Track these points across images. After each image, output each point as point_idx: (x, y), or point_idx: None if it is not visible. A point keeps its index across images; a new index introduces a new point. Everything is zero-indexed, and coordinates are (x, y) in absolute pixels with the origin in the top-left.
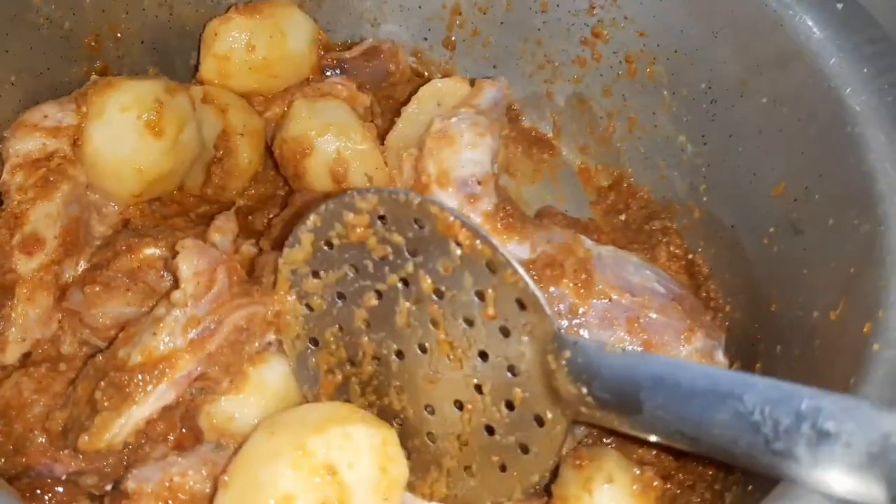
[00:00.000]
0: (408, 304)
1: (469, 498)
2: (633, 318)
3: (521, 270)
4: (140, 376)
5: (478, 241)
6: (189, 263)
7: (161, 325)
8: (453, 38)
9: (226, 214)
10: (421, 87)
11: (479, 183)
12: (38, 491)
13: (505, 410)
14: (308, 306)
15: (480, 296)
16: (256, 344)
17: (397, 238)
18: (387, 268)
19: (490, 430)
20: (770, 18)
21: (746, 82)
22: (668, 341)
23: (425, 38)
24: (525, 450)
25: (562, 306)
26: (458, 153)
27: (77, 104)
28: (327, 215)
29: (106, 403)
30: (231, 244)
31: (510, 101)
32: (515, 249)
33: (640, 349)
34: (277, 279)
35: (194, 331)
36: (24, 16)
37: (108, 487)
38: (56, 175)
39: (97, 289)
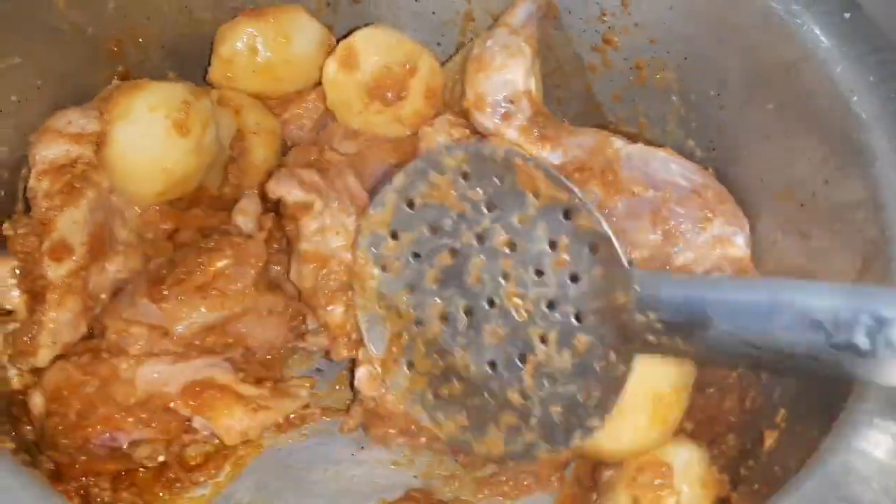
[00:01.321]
0: (481, 258)
1: (525, 451)
2: (655, 210)
3: (596, 213)
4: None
5: (557, 188)
6: (294, 188)
7: (330, 228)
8: (466, 43)
9: (248, 196)
10: None
11: (511, 102)
12: (84, 492)
13: (568, 358)
14: (383, 268)
15: (553, 245)
16: None
17: (477, 194)
18: (463, 225)
19: (552, 380)
20: (777, 26)
21: (754, 89)
22: (687, 229)
23: (438, 44)
24: (587, 396)
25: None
26: (489, 77)
27: (99, 110)
28: (414, 174)
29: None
30: (255, 225)
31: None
32: (549, 156)
33: (660, 237)
34: (357, 243)
35: (349, 207)
36: (49, 21)
37: (161, 458)
38: (81, 181)
39: (173, 303)
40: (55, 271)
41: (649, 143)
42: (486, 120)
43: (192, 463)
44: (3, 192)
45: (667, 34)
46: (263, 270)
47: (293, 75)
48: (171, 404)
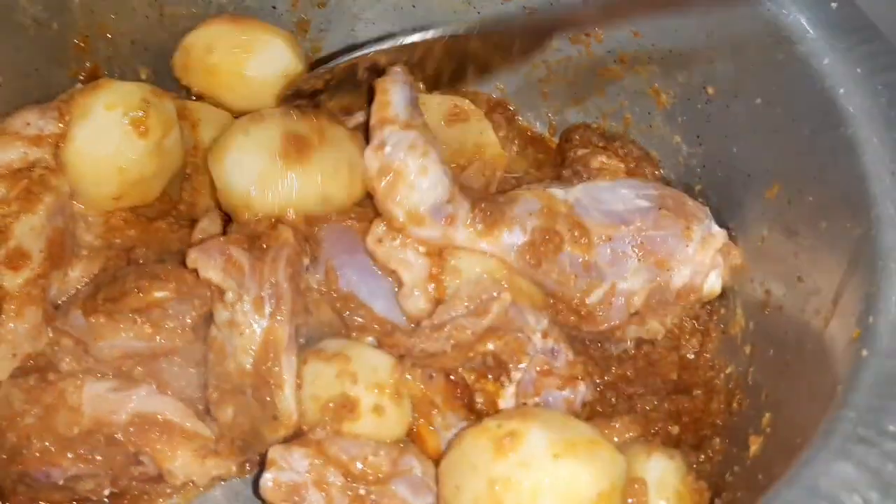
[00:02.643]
0: None
1: None
2: (637, 244)
3: None
4: (266, 368)
5: None
6: (211, 268)
7: (238, 324)
8: None
9: (209, 216)
10: None
11: (448, 202)
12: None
13: None
14: None
15: None
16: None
17: None
18: None
19: None
20: (764, 18)
21: (741, 83)
22: (674, 247)
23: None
24: None
25: (577, 268)
26: (413, 186)
27: (60, 111)
28: None
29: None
30: None
31: (503, 100)
32: (510, 238)
33: (654, 268)
34: None
35: (266, 306)
36: (10, 17)
37: (107, 492)
38: (38, 186)
39: (102, 319)
40: (12, 280)
41: (634, 140)
42: (430, 231)
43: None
44: None
45: (651, 27)
46: (209, 316)
47: (246, 93)
48: (118, 435)
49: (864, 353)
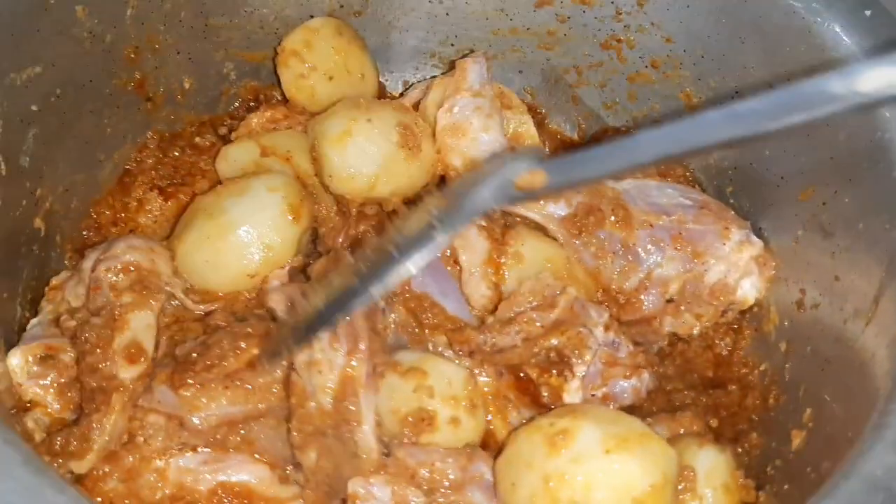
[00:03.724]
0: None
1: None
2: (675, 235)
3: None
4: (345, 406)
5: None
6: (279, 306)
7: (317, 362)
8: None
9: (276, 274)
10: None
11: None
12: None
13: None
14: None
15: None
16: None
17: None
18: None
19: None
20: (798, 25)
21: (774, 88)
22: (711, 243)
23: (452, 45)
24: None
25: (615, 245)
26: (475, 140)
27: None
28: None
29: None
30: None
31: (533, 104)
32: (555, 210)
33: (690, 258)
34: None
35: (341, 345)
36: (69, 31)
37: None
38: (155, 282)
39: (194, 391)
40: (128, 373)
41: None
42: None
43: None
44: (24, 202)
45: (684, 33)
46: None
47: (352, 81)
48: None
49: None
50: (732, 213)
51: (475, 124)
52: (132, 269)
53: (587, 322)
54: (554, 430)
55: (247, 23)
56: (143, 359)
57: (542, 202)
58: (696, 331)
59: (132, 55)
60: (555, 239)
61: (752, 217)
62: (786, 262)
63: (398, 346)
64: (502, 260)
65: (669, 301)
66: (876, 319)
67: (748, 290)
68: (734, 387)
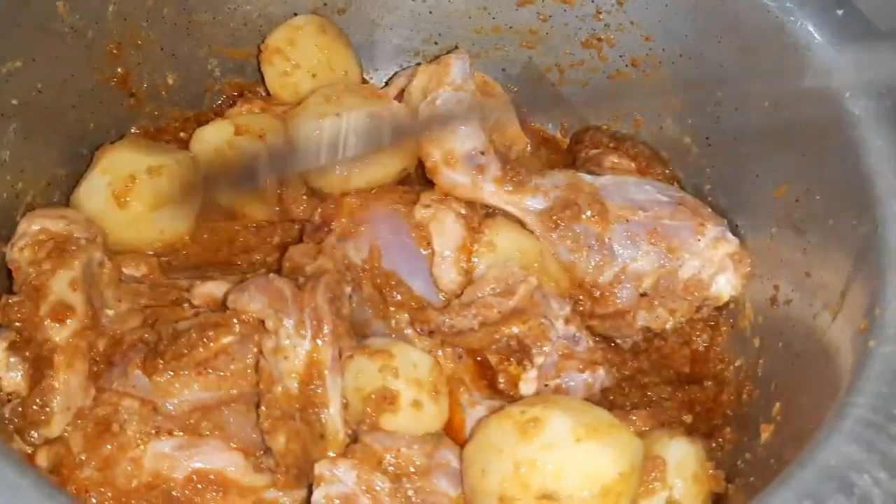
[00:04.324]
0: None
1: None
2: (651, 230)
3: None
4: (311, 389)
5: None
6: (249, 301)
7: (282, 349)
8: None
9: (216, 283)
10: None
11: (482, 153)
12: None
13: None
14: None
15: None
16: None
17: None
18: None
19: None
20: (772, 24)
21: (750, 86)
22: (686, 239)
23: (436, 43)
24: None
25: (591, 240)
26: (454, 132)
27: None
28: None
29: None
30: None
31: (517, 102)
32: (532, 203)
33: (665, 253)
34: None
35: (306, 329)
36: (50, 26)
37: None
38: (72, 246)
39: (167, 377)
40: (59, 333)
41: (645, 141)
42: (460, 175)
43: None
44: (5, 195)
45: (662, 32)
46: None
47: (339, 71)
48: (174, 493)
49: (872, 343)
50: (709, 210)
51: (455, 115)
52: (43, 237)
53: (548, 313)
54: (525, 418)
55: (230, 20)
56: (72, 315)
57: (519, 195)
58: (669, 325)
59: (114, 51)
60: (532, 232)
61: (728, 214)
62: (761, 260)
63: (363, 321)
64: (475, 247)
65: (643, 295)
66: (842, 313)
67: (723, 286)
68: (710, 382)
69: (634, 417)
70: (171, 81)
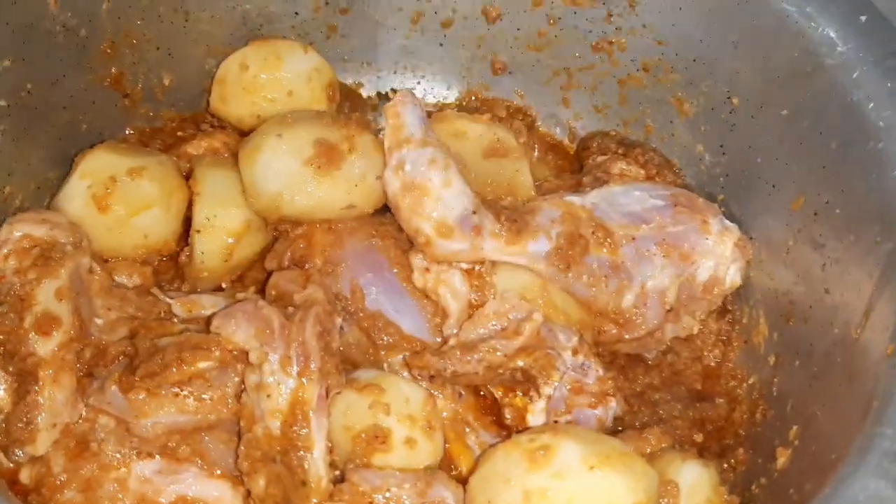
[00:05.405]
0: None
1: None
2: (660, 242)
3: None
4: (294, 431)
5: None
6: (234, 331)
7: (265, 386)
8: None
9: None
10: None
11: (473, 212)
12: None
13: None
14: None
15: None
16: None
17: None
18: None
19: None
20: (791, 30)
21: (767, 93)
22: (695, 241)
23: (441, 45)
24: None
25: (605, 269)
26: (440, 198)
27: None
28: None
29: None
30: None
31: (523, 106)
32: (535, 248)
33: (679, 262)
34: None
35: (292, 366)
36: (40, 24)
37: None
38: (58, 253)
39: (142, 396)
40: (45, 346)
41: (655, 148)
42: (458, 244)
43: None
44: None
45: (676, 36)
46: None
47: (283, 96)
48: None
49: None
50: (700, 199)
51: (434, 180)
52: (27, 244)
53: (555, 346)
54: (534, 446)
55: (229, 18)
56: (57, 327)
57: (522, 243)
58: (695, 331)
59: (108, 50)
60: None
61: (742, 226)
62: (776, 273)
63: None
64: (480, 292)
65: (669, 310)
66: (865, 335)
67: (734, 275)
68: (722, 400)
69: (647, 436)
70: (166, 81)
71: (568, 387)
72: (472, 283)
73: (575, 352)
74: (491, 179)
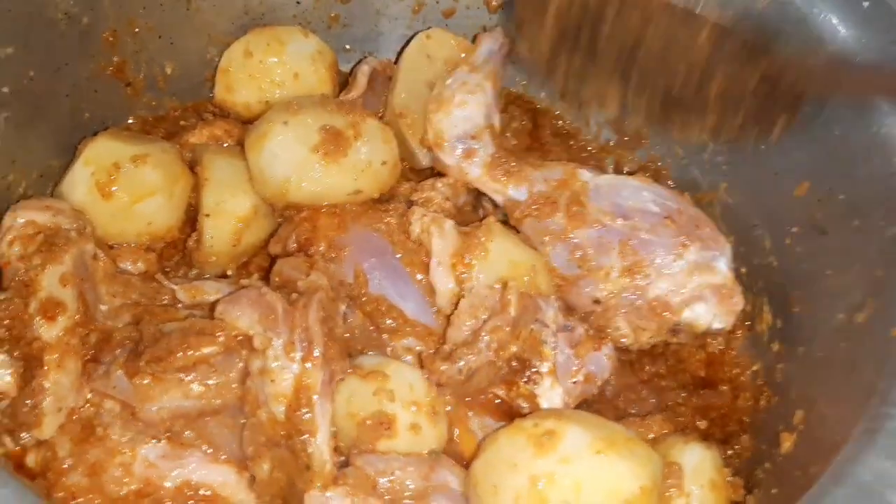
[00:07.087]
0: None
1: None
2: (624, 241)
3: None
4: (298, 416)
5: None
6: (238, 316)
7: (269, 371)
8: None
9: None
10: (409, 44)
11: (472, 138)
12: None
13: None
14: None
15: None
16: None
17: None
18: None
19: None
20: (794, 16)
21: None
22: (660, 257)
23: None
24: None
25: (554, 230)
26: (449, 114)
27: None
28: None
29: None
30: None
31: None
32: (513, 193)
33: (632, 267)
34: None
35: (296, 351)
36: (42, 12)
37: None
38: (61, 239)
39: (147, 381)
40: (49, 331)
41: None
42: (447, 158)
43: None
44: None
45: None
46: None
47: (290, 80)
48: (166, 502)
49: None
50: (712, 231)
51: (456, 98)
52: (31, 230)
53: (538, 314)
54: (539, 431)
55: (231, 7)
56: (62, 312)
57: (504, 183)
58: (628, 342)
59: (110, 38)
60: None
61: (745, 213)
62: (780, 260)
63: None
64: (466, 259)
65: (596, 301)
66: (870, 319)
67: (701, 314)
68: (726, 387)
69: (649, 422)
70: (169, 70)
71: (567, 350)
72: (463, 239)
73: (556, 314)
74: None
